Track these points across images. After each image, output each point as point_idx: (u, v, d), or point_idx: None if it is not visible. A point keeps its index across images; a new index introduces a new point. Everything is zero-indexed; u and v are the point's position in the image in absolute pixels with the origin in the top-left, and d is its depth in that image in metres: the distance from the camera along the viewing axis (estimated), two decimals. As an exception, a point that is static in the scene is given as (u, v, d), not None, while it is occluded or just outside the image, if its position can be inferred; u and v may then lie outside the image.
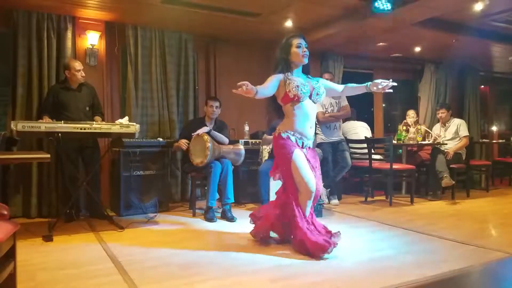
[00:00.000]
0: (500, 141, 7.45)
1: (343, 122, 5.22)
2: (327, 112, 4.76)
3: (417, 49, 6.04)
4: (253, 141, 4.88)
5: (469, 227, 3.56)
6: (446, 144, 5.25)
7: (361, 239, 3.14)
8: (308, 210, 2.83)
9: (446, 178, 4.76)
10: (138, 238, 3.21)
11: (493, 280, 2.48)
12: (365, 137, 5.07)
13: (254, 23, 4.70)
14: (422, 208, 4.56)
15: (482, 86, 7.96)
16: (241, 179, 4.72)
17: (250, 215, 3.18)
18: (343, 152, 4.77)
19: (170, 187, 4.71)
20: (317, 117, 4.16)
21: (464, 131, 5.32)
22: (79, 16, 4.35)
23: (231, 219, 3.80)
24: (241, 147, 4.20)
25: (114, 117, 4.60)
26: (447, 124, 5.47)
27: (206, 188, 4.07)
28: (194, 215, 4.08)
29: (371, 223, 3.73)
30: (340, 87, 3.09)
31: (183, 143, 4.12)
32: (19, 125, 2.98)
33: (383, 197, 5.18)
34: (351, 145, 5.12)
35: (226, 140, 4.23)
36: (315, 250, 2.60)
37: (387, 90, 2.86)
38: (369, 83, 2.91)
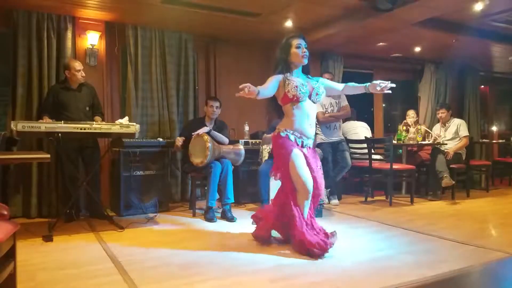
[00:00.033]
0: (500, 141, 7.45)
1: (343, 122, 5.22)
2: (327, 112, 4.76)
3: (417, 49, 6.04)
4: (253, 141, 4.88)
5: (469, 227, 3.56)
6: (446, 144, 5.25)
7: (361, 239, 3.14)
8: (307, 210, 2.83)
9: (446, 178, 4.76)
10: (138, 238, 3.21)
11: (493, 280, 2.48)
12: (365, 137, 5.07)
13: (254, 23, 4.70)
14: (422, 208, 4.56)
15: (482, 86, 7.96)
16: (241, 179, 4.72)
17: (252, 217, 3.18)
18: (343, 152, 4.77)
19: (170, 187, 4.71)
20: (317, 117, 4.16)
21: (464, 131, 5.32)
22: (79, 16, 4.35)
23: (231, 219, 3.80)
24: (241, 147, 4.20)
25: (114, 117, 4.60)
26: (447, 124, 5.48)
27: (206, 188, 4.08)
28: (194, 215, 4.08)
29: (371, 223, 3.73)
30: (340, 86, 3.09)
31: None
32: (19, 125, 2.98)
33: (383, 197, 5.18)
34: (351, 145, 5.12)
35: (226, 140, 4.23)
36: (313, 250, 2.60)
37: (385, 91, 2.86)
38: (368, 84, 2.91)
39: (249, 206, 4.62)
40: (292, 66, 2.91)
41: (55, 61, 4.20)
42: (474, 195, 5.37)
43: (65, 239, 3.15)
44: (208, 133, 4.02)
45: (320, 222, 3.05)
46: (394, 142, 5.04)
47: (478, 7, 4.15)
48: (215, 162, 3.93)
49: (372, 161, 4.89)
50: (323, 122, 4.70)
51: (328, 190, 4.67)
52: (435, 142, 5.32)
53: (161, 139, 4.37)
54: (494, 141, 7.39)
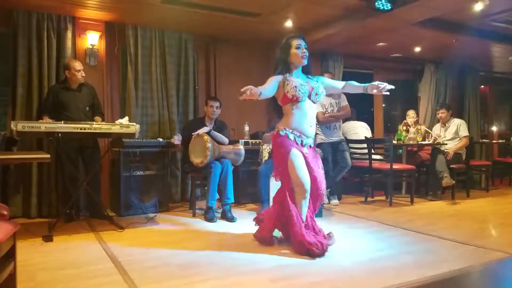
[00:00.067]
0: (500, 141, 7.45)
1: (343, 122, 5.22)
2: (327, 112, 4.76)
3: (417, 49, 6.04)
4: (253, 141, 4.88)
5: (469, 227, 3.56)
6: (446, 144, 5.25)
7: (361, 239, 3.14)
8: (305, 210, 2.82)
9: (447, 178, 4.76)
10: (138, 238, 3.21)
11: (493, 280, 2.48)
12: (365, 137, 5.07)
13: (254, 23, 4.70)
14: (422, 208, 4.56)
15: (482, 86, 7.96)
16: (241, 179, 4.72)
17: (254, 219, 3.16)
18: (343, 152, 4.77)
19: (170, 187, 4.71)
20: (317, 117, 4.16)
21: (464, 131, 5.32)
22: (79, 16, 4.35)
23: (231, 219, 3.80)
24: (241, 147, 4.20)
25: (114, 117, 4.60)
26: (447, 124, 5.48)
27: (206, 188, 4.08)
28: (194, 215, 4.08)
29: (371, 223, 3.73)
30: (340, 84, 3.09)
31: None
32: (19, 125, 2.98)
33: (383, 197, 5.18)
34: (351, 145, 5.12)
35: (226, 140, 4.23)
36: (313, 250, 2.61)
37: (384, 93, 2.87)
38: (367, 84, 2.92)
39: (249, 206, 4.62)
40: (292, 66, 2.91)
41: (55, 61, 4.20)
42: (474, 195, 5.37)
43: (65, 239, 3.15)
44: (208, 133, 4.02)
45: (320, 222, 3.05)
46: (394, 142, 5.04)
47: (478, 7, 4.16)
48: (215, 162, 3.93)
49: (372, 161, 4.89)
50: (323, 122, 4.70)
51: (328, 190, 4.66)
52: (435, 142, 5.32)
53: (161, 139, 4.37)
54: (494, 141, 7.39)
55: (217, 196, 3.98)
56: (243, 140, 4.75)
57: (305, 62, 2.90)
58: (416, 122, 5.71)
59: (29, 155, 3.01)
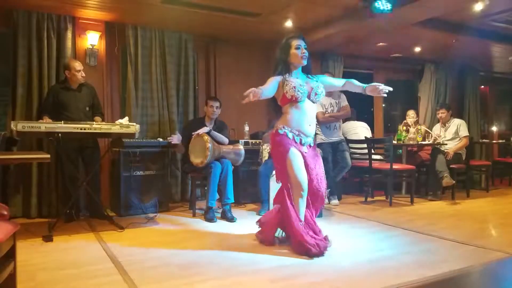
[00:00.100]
0: (500, 141, 7.44)
1: (343, 122, 5.22)
2: (327, 112, 4.76)
3: (417, 49, 6.03)
4: (253, 141, 4.88)
5: (469, 227, 3.56)
6: (446, 144, 5.25)
7: (361, 239, 3.14)
8: (303, 210, 2.82)
9: (447, 178, 4.76)
10: (138, 238, 3.21)
11: (493, 280, 2.48)
12: (365, 137, 5.07)
13: (254, 23, 4.70)
14: (422, 208, 4.56)
15: (482, 86, 7.96)
16: (241, 179, 4.72)
17: (257, 222, 3.15)
18: (343, 152, 4.77)
19: (170, 187, 4.71)
20: (317, 117, 4.17)
21: (464, 131, 5.32)
22: (79, 16, 4.35)
23: (231, 219, 3.80)
24: (241, 147, 4.21)
25: (114, 117, 4.60)
26: (447, 124, 5.47)
27: (206, 188, 4.08)
28: (194, 215, 4.08)
29: (371, 223, 3.73)
30: (340, 82, 3.09)
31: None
32: (19, 125, 2.97)
33: (383, 197, 5.18)
34: (351, 145, 5.12)
35: (226, 140, 4.24)
36: (311, 250, 2.61)
37: (382, 94, 2.87)
38: (366, 86, 2.92)
39: (249, 206, 4.62)
40: (291, 66, 2.91)
41: (55, 61, 4.20)
42: (474, 195, 5.37)
43: (65, 239, 3.15)
44: (208, 133, 4.02)
45: (320, 222, 3.05)
46: (394, 142, 5.04)
47: (478, 7, 4.15)
48: (215, 162, 3.93)
49: (372, 161, 4.89)
50: (323, 122, 4.70)
51: (328, 190, 4.66)
52: (435, 142, 5.32)
53: (161, 139, 4.37)
54: (494, 141, 7.39)
55: (217, 196, 3.98)
56: (243, 140, 4.75)
57: (304, 62, 2.90)
58: (416, 122, 5.71)
59: (29, 155, 3.01)
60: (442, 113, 5.50)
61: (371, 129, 5.75)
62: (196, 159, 3.92)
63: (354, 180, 5.69)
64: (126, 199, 4.09)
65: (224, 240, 3.16)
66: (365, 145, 4.97)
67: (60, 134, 3.14)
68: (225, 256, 2.69)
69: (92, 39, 4.45)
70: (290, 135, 2.83)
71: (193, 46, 5.03)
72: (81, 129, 3.22)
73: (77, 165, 3.89)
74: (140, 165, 4.16)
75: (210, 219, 3.79)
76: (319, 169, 2.92)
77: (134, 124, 3.46)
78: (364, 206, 4.74)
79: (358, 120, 5.64)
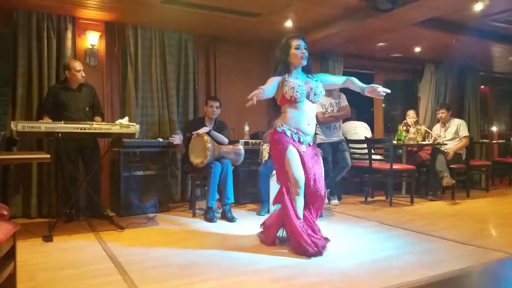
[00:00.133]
0: (500, 141, 7.44)
1: (343, 122, 5.22)
2: (327, 112, 4.76)
3: (417, 49, 6.03)
4: (253, 141, 4.88)
5: (469, 227, 3.56)
6: (446, 144, 5.25)
7: (361, 239, 3.14)
8: (301, 208, 2.80)
9: (447, 178, 4.76)
10: (138, 238, 3.21)
11: (493, 280, 2.48)
12: (365, 137, 5.07)
13: (254, 23, 4.69)
14: (422, 208, 4.56)
15: (482, 86, 7.96)
16: (241, 179, 4.72)
17: (261, 225, 3.14)
18: (343, 152, 4.76)
19: (170, 187, 4.71)
20: (317, 117, 4.17)
21: (464, 131, 5.32)
22: (79, 16, 4.35)
23: (231, 219, 3.80)
24: (241, 147, 4.20)
25: (114, 117, 4.60)
26: (447, 124, 5.48)
27: (206, 188, 4.08)
28: (194, 215, 4.08)
29: (371, 224, 3.73)
30: (339, 80, 3.11)
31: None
32: (19, 125, 2.98)
33: (383, 197, 5.18)
34: (351, 145, 5.12)
35: (226, 140, 4.24)
36: (306, 250, 2.61)
37: (380, 96, 2.89)
38: (365, 86, 2.93)
39: (249, 206, 4.62)
40: (291, 66, 2.91)
41: (55, 61, 4.20)
42: (474, 195, 5.37)
43: (65, 239, 3.15)
44: (208, 133, 4.02)
45: (320, 222, 3.04)
46: (394, 142, 5.04)
47: (478, 7, 4.15)
48: (215, 162, 3.93)
49: (372, 161, 4.89)
50: (323, 122, 4.70)
51: (328, 190, 4.66)
52: (435, 142, 5.32)
53: (161, 139, 4.37)
54: (494, 141, 7.39)
55: (217, 196, 3.98)
56: (243, 140, 4.75)
57: (304, 62, 2.90)
58: (416, 122, 5.71)
59: (29, 155, 3.00)
60: (442, 113, 5.50)
61: (371, 129, 5.75)
62: (196, 159, 3.92)
63: (354, 180, 5.69)
64: (126, 199, 4.09)
65: (224, 240, 3.16)
66: (365, 145, 4.97)
67: (60, 134, 3.14)
68: (225, 256, 2.69)
69: (92, 39, 4.45)
70: (288, 133, 2.83)
71: (193, 46, 5.03)
72: (81, 129, 3.22)
73: (77, 165, 3.89)
74: (140, 165, 4.16)
75: (210, 219, 3.79)
76: (317, 169, 2.90)
77: (134, 124, 3.46)
78: (364, 206, 4.74)
79: (358, 120, 5.64)
